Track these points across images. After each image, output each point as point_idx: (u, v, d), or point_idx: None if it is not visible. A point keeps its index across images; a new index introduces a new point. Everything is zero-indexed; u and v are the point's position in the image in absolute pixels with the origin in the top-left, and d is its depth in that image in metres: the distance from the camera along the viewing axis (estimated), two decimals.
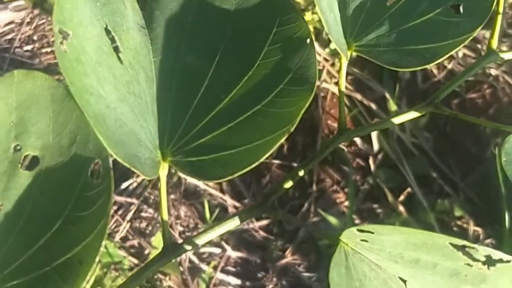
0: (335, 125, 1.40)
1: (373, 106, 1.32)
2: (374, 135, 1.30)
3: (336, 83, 1.38)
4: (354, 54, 0.34)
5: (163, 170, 0.32)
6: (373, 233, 0.29)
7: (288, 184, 0.34)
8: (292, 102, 0.32)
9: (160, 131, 0.33)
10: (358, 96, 1.32)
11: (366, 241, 0.30)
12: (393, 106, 1.31)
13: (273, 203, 0.34)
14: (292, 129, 0.31)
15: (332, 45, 1.35)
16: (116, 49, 0.31)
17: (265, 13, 0.34)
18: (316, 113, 1.36)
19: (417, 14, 0.32)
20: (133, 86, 0.32)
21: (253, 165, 0.30)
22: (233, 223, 0.33)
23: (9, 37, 1.40)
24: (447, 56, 0.30)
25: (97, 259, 0.27)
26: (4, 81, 0.29)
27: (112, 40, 0.31)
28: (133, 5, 0.34)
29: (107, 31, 0.31)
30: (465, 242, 0.27)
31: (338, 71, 1.24)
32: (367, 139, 1.32)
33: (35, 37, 1.41)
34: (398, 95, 1.35)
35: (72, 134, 0.29)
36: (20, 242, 0.28)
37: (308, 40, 0.33)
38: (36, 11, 1.43)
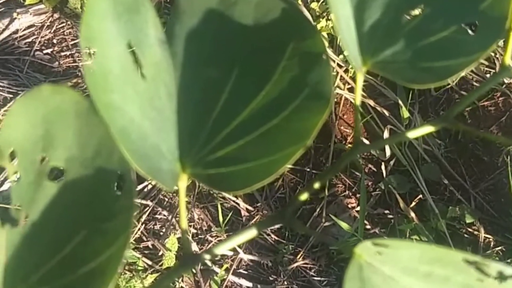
0: (348, 130, 1.41)
1: (386, 112, 1.32)
2: None
3: (349, 90, 1.39)
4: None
5: (183, 182, 0.33)
6: (387, 246, 0.30)
7: (304, 197, 0.35)
8: (308, 117, 0.33)
9: (180, 143, 0.34)
10: (371, 102, 1.33)
11: (381, 254, 0.31)
12: (405, 113, 1.31)
13: (290, 214, 0.34)
14: (308, 144, 0.32)
15: (347, 52, 1.35)
16: (138, 65, 0.32)
17: (282, 28, 0.35)
18: (329, 118, 1.37)
19: (432, 32, 0.33)
20: (155, 100, 0.33)
21: (270, 179, 0.31)
22: (250, 233, 0.34)
23: (29, 40, 1.43)
24: (462, 73, 0.31)
25: (119, 269, 0.28)
26: (32, 95, 0.30)
27: (135, 56, 0.32)
28: (154, 21, 0.35)
29: (130, 48, 0.32)
30: (478, 258, 0.28)
31: (353, 80, 1.24)
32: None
33: (54, 41, 1.43)
34: (411, 102, 1.35)
35: (97, 147, 0.30)
36: (46, 251, 0.29)
37: (324, 56, 0.34)
38: (56, 15, 1.45)
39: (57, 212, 0.30)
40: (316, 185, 0.35)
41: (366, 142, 1.35)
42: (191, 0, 0.37)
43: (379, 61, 0.33)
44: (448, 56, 0.32)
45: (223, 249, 0.34)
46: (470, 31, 0.32)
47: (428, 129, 0.35)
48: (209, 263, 1.26)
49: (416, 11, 0.34)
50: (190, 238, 1.26)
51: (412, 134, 0.35)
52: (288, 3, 0.36)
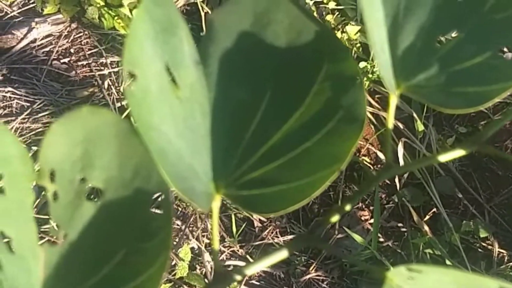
0: (362, 142, 1.41)
1: (401, 125, 1.32)
2: (400, 154, 1.30)
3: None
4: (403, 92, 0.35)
5: (216, 202, 0.33)
6: (420, 272, 0.30)
7: (335, 218, 0.35)
8: (342, 140, 0.33)
9: (214, 164, 0.34)
10: (386, 115, 1.33)
11: (413, 279, 0.31)
12: (420, 126, 1.31)
13: (319, 236, 0.35)
14: (342, 168, 0.32)
15: (362, 64, 1.36)
16: (174, 85, 0.33)
17: (315, 50, 0.36)
18: None
19: (466, 57, 0.33)
20: (190, 121, 0.34)
21: (304, 202, 0.31)
22: (281, 254, 0.34)
23: (47, 49, 1.44)
24: (496, 99, 0.31)
25: None
26: (71, 116, 0.30)
27: (171, 76, 0.33)
28: (189, 42, 0.35)
29: (167, 69, 0.32)
30: (509, 286, 0.28)
31: (367, 92, 1.24)
32: (394, 158, 1.32)
33: (72, 50, 1.44)
34: (426, 115, 1.35)
35: (136, 168, 0.30)
36: (85, 271, 0.29)
37: (358, 79, 0.34)
38: (73, 25, 1.46)
39: (96, 232, 0.30)
40: (347, 207, 0.35)
41: (380, 154, 1.35)
42: (224, 21, 0.37)
43: (413, 85, 0.34)
44: (482, 82, 0.32)
45: (253, 269, 0.35)
46: (505, 57, 0.33)
47: (459, 152, 0.36)
48: None
49: (450, 35, 0.34)
50: (203, 250, 1.26)
51: (443, 157, 0.36)
52: (320, 25, 0.36)
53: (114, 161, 0.30)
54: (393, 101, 0.34)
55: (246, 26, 0.37)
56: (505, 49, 0.33)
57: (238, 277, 0.34)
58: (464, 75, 0.33)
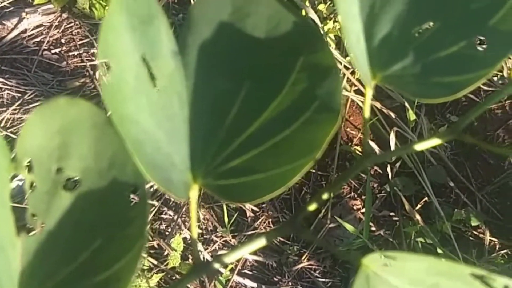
0: (354, 132, 1.41)
1: (392, 114, 1.33)
2: (392, 143, 1.30)
3: (356, 91, 1.39)
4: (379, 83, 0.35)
5: (194, 192, 0.34)
6: (395, 259, 0.30)
7: (313, 207, 0.35)
8: (318, 129, 0.33)
9: (192, 154, 0.34)
10: (378, 104, 1.33)
11: (388, 265, 0.31)
12: (412, 116, 1.32)
13: (300, 224, 0.35)
14: (318, 156, 0.32)
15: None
16: (152, 76, 0.33)
17: (294, 41, 0.36)
18: None
19: (441, 47, 0.33)
20: (168, 110, 0.34)
21: (280, 191, 0.32)
22: (260, 242, 0.35)
23: (37, 39, 1.44)
24: (471, 88, 0.32)
25: (133, 277, 0.29)
26: (49, 107, 0.31)
27: (149, 67, 0.33)
28: (167, 33, 0.36)
29: (145, 60, 0.33)
30: (485, 273, 0.28)
31: (360, 82, 1.24)
32: (385, 147, 1.33)
33: (62, 40, 1.44)
34: (418, 104, 1.36)
35: (112, 158, 0.30)
36: (62, 259, 0.30)
37: (334, 70, 0.34)
38: (64, 15, 1.46)
39: (73, 220, 0.30)
40: (325, 196, 0.36)
41: (372, 144, 1.35)
42: (203, 11, 0.37)
43: (388, 75, 0.34)
44: (458, 71, 0.32)
45: (232, 258, 0.35)
46: (479, 46, 0.33)
47: (435, 141, 0.36)
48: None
49: (426, 26, 0.34)
50: (196, 241, 1.27)
51: (420, 146, 0.36)
52: (298, 17, 0.36)
53: (91, 151, 0.30)
54: (369, 91, 0.34)
55: (225, 16, 0.37)
56: (480, 38, 0.33)
57: (217, 265, 0.34)
58: (439, 65, 0.33)
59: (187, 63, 0.36)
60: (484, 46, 0.33)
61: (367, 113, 0.35)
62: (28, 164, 0.31)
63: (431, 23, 0.34)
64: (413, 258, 0.31)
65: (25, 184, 0.31)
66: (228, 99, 0.36)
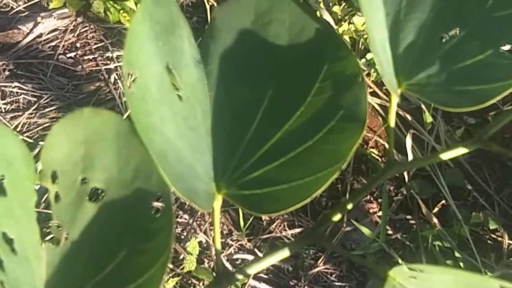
0: (369, 135, 1.40)
1: (409, 117, 1.32)
2: (409, 146, 1.29)
3: (371, 94, 1.38)
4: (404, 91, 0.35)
5: (218, 202, 0.33)
6: (422, 271, 0.30)
7: (337, 217, 0.35)
8: (343, 138, 0.33)
9: (215, 164, 0.34)
10: None
11: (415, 278, 0.31)
12: (429, 118, 1.31)
13: (323, 234, 0.35)
14: (343, 167, 0.32)
15: (369, 55, 1.35)
16: (175, 86, 0.33)
17: (317, 49, 0.35)
18: None
19: (467, 55, 0.33)
20: (191, 121, 0.34)
21: (306, 201, 0.31)
22: (283, 254, 0.34)
23: (53, 44, 1.45)
24: (498, 98, 0.31)
25: None
26: (73, 117, 0.31)
27: (172, 76, 0.33)
28: (190, 41, 0.35)
29: (168, 69, 0.32)
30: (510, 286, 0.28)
31: (375, 84, 1.23)
32: (402, 150, 1.32)
33: (78, 44, 1.45)
34: (434, 106, 1.34)
35: (136, 169, 0.30)
36: (86, 271, 0.30)
37: (359, 77, 0.34)
38: (79, 19, 1.47)
39: (97, 232, 0.30)
40: (349, 206, 0.35)
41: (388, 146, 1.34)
42: (226, 20, 0.37)
43: (414, 83, 0.33)
44: (484, 80, 0.32)
45: (256, 269, 0.35)
46: (506, 55, 0.32)
47: (461, 150, 0.35)
48: (229, 267, 1.26)
49: (451, 33, 0.34)
50: (210, 243, 1.26)
51: (446, 155, 0.35)
52: (321, 23, 0.36)
53: (115, 161, 0.30)
54: (395, 100, 0.34)
55: (247, 24, 0.37)
56: (506, 47, 0.33)
57: (240, 276, 0.34)
58: (465, 73, 0.33)
59: (209, 72, 0.36)
60: (511, 54, 0.33)
61: (392, 122, 0.34)
62: (53, 175, 0.31)
63: (457, 31, 0.33)
64: (440, 271, 0.30)
65: (50, 195, 0.31)
66: (251, 109, 0.35)
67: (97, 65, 1.42)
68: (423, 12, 0.34)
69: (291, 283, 1.29)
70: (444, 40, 0.34)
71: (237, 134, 0.35)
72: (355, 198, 0.36)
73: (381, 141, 1.40)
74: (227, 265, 1.26)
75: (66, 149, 0.31)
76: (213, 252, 1.26)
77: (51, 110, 1.39)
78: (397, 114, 1.37)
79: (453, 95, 0.33)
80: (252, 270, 0.34)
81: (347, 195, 1.35)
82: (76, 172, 0.31)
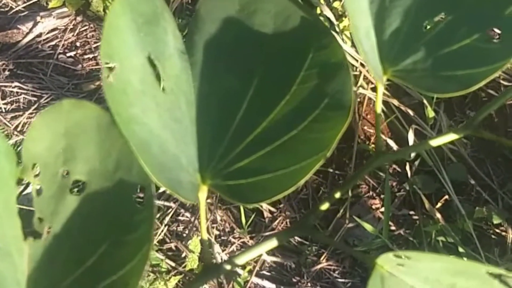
0: (371, 130, 1.39)
1: (411, 112, 1.31)
2: (411, 141, 1.29)
3: (373, 89, 1.37)
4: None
5: (203, 193, 0.33)
6: (410, 258, 0.29)
7: (325, 206, 0.34)
8: (328, 127, 0.33)
9: (200, 154, 0.34)
10: (395, 102, 1.32)
11: (402, 265, 0.30)
12: (431, 113, 1.30)
13: (313, 224, 0.34)
14: (328, 154, 0.32)
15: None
16: (158, 77, 0.33)
17: (302, 37, 0.35)
18: (352, 118, 1.36)
19: (454, 40, 0.32)
20: (175, 111, 0.33)
21: (290, 190, 0.31)
22: (271, 243, 0.34)
23: (52, 43, 1.45)
24: (485, 81, 0.31)
25: (140, 282, 0.28)
26: (54, 110, 0.30)
27: (155, 68, 0.33)
28: (174, 32, 0.35)
29: (150, 60, 0.32)
30: (502, 271, 0.27)
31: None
32: (404, 145, 1.31)
33: (77, 43, 1.45)
34: (436, 101, 1.34)
35: (117, 161, 0.30)
36: (68, 263, 0.29)
37: (344, 66, 0.33)
38: (79, 18, 1.47)
39: (79, 224, 0.30)
40: (337, 195, 0.35)
41: (390, 142, 1.33)
42: (210, 9, 0.37)
43: (400, 69, 0.33)
44: (471, 64, 0.31)
45: (244, 259, 0.34)
46: (493, 39, 0.32)
47: (451, 136, 0.35)
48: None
49: (437, 18, 0.33)
50: (213, 241, 1.26)
51: (436, 142, 0.35)
52: (307, 12, 0.36)
53: (96, 153, 0.30)
54: (380, 87, 0.34)
55: (232, 13, 0.36)
56: (495, 30, 0.32)
57: (229, 267, 0.34)
58: (452, 58, 0.32)
59: (194, 63, 0.36)
60: (498, 38, 0.32)
61: (378, 108, 0.34)
62: (34, 168, 0.30)
63: (442, 15, 0.33)
64: (428, 258, 0.30)
65: (32, 188, 0.30)
66: (236, 98, 0.35)
67: (97, 64, 1.42)
68: None
69: (294, 280, 1.28)
70: (430, 25, 0.33)
71: (222, 124, 0.34)
72: (345, 187, 0.35)
73: (383, 136, 1.39)
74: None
75: (47, 142, 0.30)
76: (216, 250, 1.25)
77: None
78: (399, 109, 1.36)
79: (440, 80, 0.32)
80: (240, 261, 0.34)
81: (349, 191, 1.34)
82: (57, 164, 0.30)
